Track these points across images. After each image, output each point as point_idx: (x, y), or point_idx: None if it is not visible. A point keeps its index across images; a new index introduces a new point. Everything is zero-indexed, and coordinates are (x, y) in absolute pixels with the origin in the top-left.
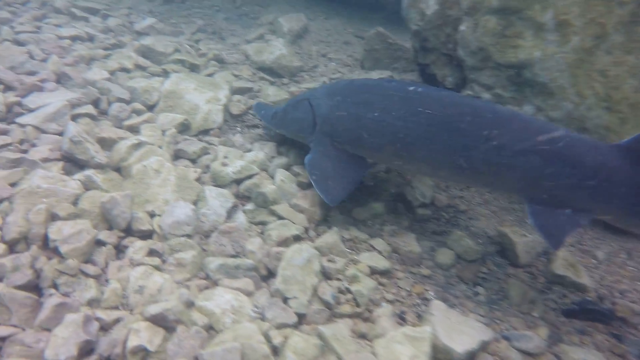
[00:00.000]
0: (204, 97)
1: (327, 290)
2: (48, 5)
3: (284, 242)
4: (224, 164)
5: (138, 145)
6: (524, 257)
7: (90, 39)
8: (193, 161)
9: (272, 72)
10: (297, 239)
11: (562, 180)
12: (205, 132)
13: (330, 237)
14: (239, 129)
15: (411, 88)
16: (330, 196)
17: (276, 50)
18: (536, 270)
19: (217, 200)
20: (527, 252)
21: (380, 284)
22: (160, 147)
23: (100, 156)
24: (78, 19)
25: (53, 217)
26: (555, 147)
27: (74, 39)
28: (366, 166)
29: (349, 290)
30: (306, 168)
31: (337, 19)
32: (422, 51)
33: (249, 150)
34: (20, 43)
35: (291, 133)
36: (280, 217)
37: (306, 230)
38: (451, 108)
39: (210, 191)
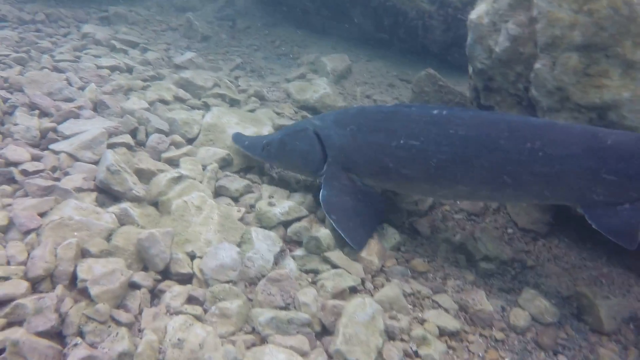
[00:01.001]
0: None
1: (394, 354)
2: (89, 37)
3: (340, 295)
4: (271, 204)
5: (178, 179)
6: (609, 323)
7: (129, 70)
8: (235, 199)
9: (315, 111)
10: (353, 290)
11: (617, 176)
12: (248, 169)
13: (391, 290)
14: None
15: (435, 111)
16: (356, 239)
17: (320, 89)
18: (625, 339)
19: (264, 244)
20: (612, 317)
21: (450, 347)
22: (200, 182)
23: (138, 188)
24: (117, 51)
25: (83, 254)
26: (605, 145)
27: (113, 69)
28: (382, 202)
29: (417, 354)
30: (323, 207)
31: (379, 61)
32: (485, 91)
33: (296, 191)
34: (59, 70)
35: (291, 166)
36: (335, 266)
37: (363, 281)
38: (485, 126)
39: (257, 233)
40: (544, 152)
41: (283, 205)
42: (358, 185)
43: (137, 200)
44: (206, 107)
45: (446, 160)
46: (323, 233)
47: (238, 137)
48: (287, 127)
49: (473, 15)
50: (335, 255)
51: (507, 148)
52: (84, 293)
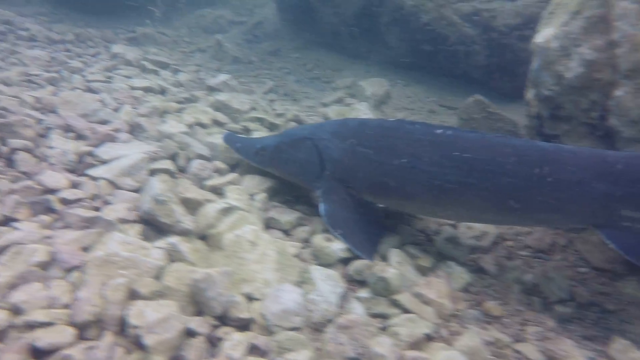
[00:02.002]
0: None
1: None
2: (119, 57)
3: (417, 344)
4: (328, 240)
5: (228, 210)
6: None
7: (162, 91)
8: (286, 232)
9: None
10: (428, 338)
11: (632, 198)
12: (297, 198)
13: (471, 339)
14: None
15: (439, 131)
16: (366, 251)
17: (361, 114)
18: None
19: (327, 284)
20: None
21: None
22: (249, 213)
23: (187, 221)
24: (148, 72)
25: (133, 295)
26: (615, 169)
27: (147, 90)
28: (381, 214)
29: None
30: (325, 221)
31: (416, 86)
32: (551, 120)
33: None
34: (92, 91)
35: (286, 173)
36: (405, 310)
37: (437, 327)
38: (491, 150)
39: (318, 272)
40: (553, 177)
41: (340, 241)
42: (356, 200)
43: (185, 233)
44: (246, 131)
45: (450, 182)
46: (392, 274)
47: (230, 138)
48: (282, 133)
49: (539, 39)
50: (405, 298)
51: (515, 173)
52: (136, 342)
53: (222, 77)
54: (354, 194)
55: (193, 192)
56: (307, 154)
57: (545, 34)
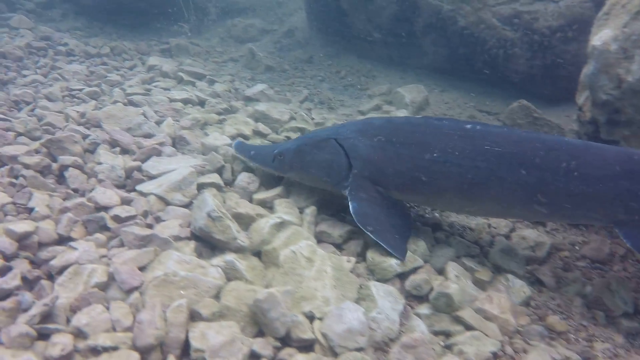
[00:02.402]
0: None
1: None
2: (155, 69)
3: None
4: (383, 254)
5: (281, 224)
6: None
7: (201, 103)
8: (338, 246)
9: None
10: (495, 357)
11: None
12: (346, 209)
13: (540, 357)
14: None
15: (468, 126)
16: (399, 250)
17: None
18: None
19: (387, 301)
20: None
21: None
22: (301, 227)
23: (243, 237)
24: (185, 83)
25: (194, 317)
26: None
27: (186, 102)
28: (409, 212)
29: None
30: (355, 219)
31: (453, 92)
32: (608, 125)
33: None
34: (133, 104)
35: (310, 177)
36: (468, 327)
37: (502, 345)
38: (521, 144)
39: (377, 288)
40: (580, 172)
41: None
42: (385, 197)
43: (240, 250)
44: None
45: (481, 176)
46: (454, 289)
47: (241, 147)
48: (301, 137)
49: (597, 41)
50: (468, 315)
51: (543, 167)
52: None
53: (259, 86)
54: (383, 192)
55: (244, 207)
56: (333, 153)
57: (602, 36)
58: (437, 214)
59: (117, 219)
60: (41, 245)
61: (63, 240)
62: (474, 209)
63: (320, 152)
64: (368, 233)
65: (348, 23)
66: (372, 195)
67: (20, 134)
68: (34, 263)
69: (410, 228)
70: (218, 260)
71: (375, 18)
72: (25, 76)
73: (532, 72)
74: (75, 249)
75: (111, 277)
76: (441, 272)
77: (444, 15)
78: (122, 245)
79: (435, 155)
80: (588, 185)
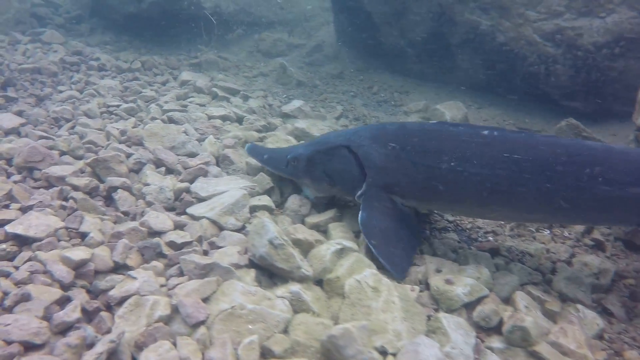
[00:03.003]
0: None
1: None
2: (189, 84)
3: None
4: (449, 282)
5: (341, 251)
6: None
7: (239, 119)
8: None
9: None
10: None
11: None
12: None
13: None
14: (427, 232)
15: (485, 132)
16: (398, 267)
17: None
18: None
19: (459, 334)
20: None
21: None
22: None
23: (307, 266)
24: (220, 99)
25: (265, 354)
26: None
27: (224, 118)
28: (420, 225)
29: None
30: (362, 231)
31: (491, 108)
32: None
33: (465, 262)
34: (172, 121)
35: (324, 185)
36: None
37: None
38: (541, 150)
39: (448, 320)
40: (604, 177)
41: (464, 283)
42: (399, 207)
43: (304, 280)
44: None
45: (501, 184)
46: (530, 322)
47: (254, 150)
48: (314, 142)
49: None
50: (545, 349)
51: (566, 173)
52: None
53: (296, 103)
54: (398, 201)
55: (303, 233)
56: (346, 162)
57: None
58: (491, 238)
59: (173, 245)
60: (97, 273)
61: (119, 267)
62: (494, 215)
63: (332, 160)
64: (371, 247)
65: (379, 38)
66: (385, 205)
67: (64, 153)
68: (91, 292)
69: (418, 241)
70: (282, 290)
71: (409, 33)
72: (61, 92)
73: (575, 89)
74: (134, 278)
75: (174, 310)
76: (507, 301)
77: (482, 31)
78: (181, 274)
79: (452, 164)
80: (613, 190)
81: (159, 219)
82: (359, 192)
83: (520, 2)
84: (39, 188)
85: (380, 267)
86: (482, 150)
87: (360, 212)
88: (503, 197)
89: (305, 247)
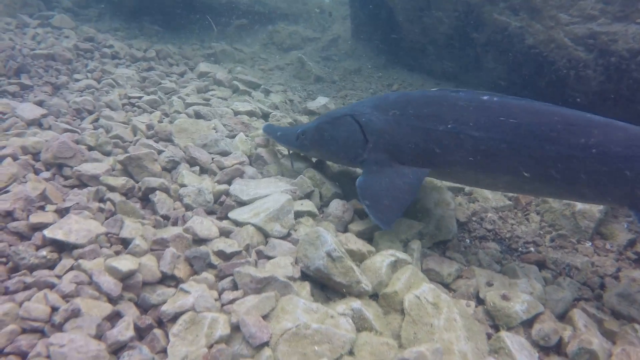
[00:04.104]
0: (431, 199)
1: None
2: (208, 77)
3: None
4: (505, 297)
5: (396, 263)
6: None
7: (265, 115)
8: (447, 286)
9: None
10: None
11: None
12: (441, 244)
13: None
14: (467, 241)
15: (485, 97)
16: (384, 219)
17: None
18: None
19: (524, 355)
20: None
21: None
22: (416, 266)
23: (366, 281)
24: (241, 93)
25: None
26: None
27: (250, 114)
28: (422, 178)
29: None
30: (358, 193)
31: None
32: None
33: (514, 275)
34: (200, 116)
35: (329, 154)
36: None
37: None
38: (538, 116)
39: (511, 340)
40: (599, 149)
41: (521, 299)
42: (396, 168)
43: (362, 295)
44: None
45: (494, 148)
46: (597, 345)
47: (270, 128)
48: (322, 115)
49: None
50: None
51: (559, 141)
52: None
53: (322, 100)
54: (396, 164)
55: (355, 243)
56: (349, 130)
57: None
58: (532, 249)
59: (222, 255)
60: (144, 284)
61: (166, 278)
62: (487, 182)
63: (337, 129)
64: (364, 207)
65: (400, 35)
66: (384, 168)
67: (91, 148)
68: (139, 306)
69: (410, 198)
70: (343, 307)
71: (431, 31)
72: (77, 80)
73: (604, 95)
74: (187, 292)
75: (234, 329)
76: (561, 318)
77: (510, 32)
78: (235, 287)
79: (449, 126)
80: (606, 164)
81: (204, 226)
82: (362, 159)
83: (553, 4)
84: (71, 187)
85: (430, 279)
86: (479, 113)
87: (359, 177)
88: (496, 162)
89: (357, 258)
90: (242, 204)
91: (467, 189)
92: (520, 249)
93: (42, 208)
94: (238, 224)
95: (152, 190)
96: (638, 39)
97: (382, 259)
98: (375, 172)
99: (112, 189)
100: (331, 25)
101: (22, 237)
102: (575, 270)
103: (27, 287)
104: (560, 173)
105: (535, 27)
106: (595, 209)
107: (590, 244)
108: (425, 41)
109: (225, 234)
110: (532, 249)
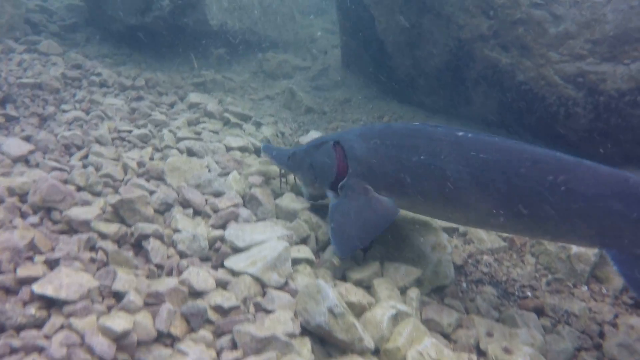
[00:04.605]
0: (428, 243)
1: None
2: (199, 108)
3: None
4: (507, 350)
5: (397, 316)
6: None
7: (257, 150)
8: (447, 337)
9: None
10: None
11: None
12: (439, 290)
13: None
14: (464, 284)
15: (460, 133)
16: (342, 247)
17: None
18: None
19: None
20: None
21: None
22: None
23: (368, 338)
24: (233, 126)
25: None
26: (637, 191)
27: (242, 150)
28: (391, 215)
29: None
30: (329, 214)
31: None
32: None
33: (515, 325)
34: (192, 152)
35: (312, 178)
36: None
37: None
38: (508, 153)
39: None
40: (567, 187)
41: (523, 352)
42: (371, 195)
43: (365, 352)
44: None
45: (463, 181)
46: None
47: (267, 148)
48: (312, 140)
49: None
50: None
51: (527, 177)
52: None
53: (314, 134)
54: (371, 191)
55: (355, 295)
56: (329, 156)
57: None
58: (529, 293)
59: (219, 310)
60: (139, 344)
61: (162, 336)
62: (457, 216)
63: (322, 153)
64: (329, 229)
65: (390, 67)
66: (358, 194)
67: (81, 188)
68: None
69: (376, 232)
70: None
71: (422, 64)
72: (65, 111)
73: (593, 133)
74: (185, 354)
75: None
76: None
77: (501, 68)
78: (234, 346)
79: (421, 157)
80: (575, 202)
81: (201, 277)
82: (340, 184)
83: (543, 42)
84: (60, 232)
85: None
86: (451, 147)
87: (335, 200)
88: (464, 196)
89: (358, 311)
90: (237, 250)
91: (462, 229)
92: (516, 293)
93: (30, 259)
94: (234, 273)
95: (146, 237)
96: (626, 79)
97: (383, 312)
98: (349, 198)
99: (104, 236)
100: (320, 55)
101: (9, 291)
102: (574, 317)
103: (13, 351)
104: (528, 209)
105: (526, 64)
106: (590, 253)
107: (586, 288)
108: (415, 74)
109: (222, 284)
110: (528, 293)
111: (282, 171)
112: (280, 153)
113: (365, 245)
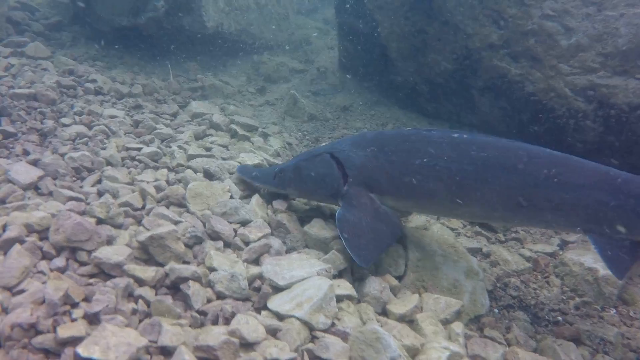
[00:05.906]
0: (460, 269)
1: None
2: (204, 120)
3: None
4: None
5: (450, 357)
6: None
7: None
8: None
9: None
10: None
11: (623, 211)
12: (475, 320)
13: None
14: (496, 310)
15: (456, 135)
16: (362, 256)
17: None
18: None
19: None
20: None
21: None
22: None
23: None
24: (240, 138)
25: None
26: (615, 182)
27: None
28: (399, 224)
29: None
30: (337, 225)
31: None
32: None
33: (556, 356)
34: (211, 175)
35: (308, 191)
36: None
37: None
38: (505, 150)
39: None
40: (559, 179)
41: None
42: (376, 205)
43: None
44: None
45: (468, 178)
46: None
47: (244, 169)
48: (300, 154)
49: None
50: None
51: (525, 172)
52: None
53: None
54: (376, 199)
55: (408, 336)
56: (327, 167)
57: None
58: (559, 318)
59: None
60: None
61: None
62: (462, 211)
63: (316, 166)
64: (342, 240)
65: (393, 72)
66: (363, 202)
67: (101, 220)
68: None
69: (393, 238)
70: None
71: (426, 71)
72: (65, 125)
73: (602, 146)
74: None
75: None
76: None
77: (510, 78)
78: None
79: (425, 160)
80: (566, 192)
81: (251, 326)
82: (342, 193)
83: (554, 54)
84: (88, 277)
85: None
86: (452, 148)
87: (339, 209)
88: (469, 193)
89: (412, 354)
90: (278, 289)
91: (484, 249)
92: (547, 317)
93: (67, 313)
94: (280, 316)
95: (184, 280)
96: (638, 93)
97: (438, 354)
98: (355, 206)
99: (140, 282)
100: (316, 57)
101: (49, 354)
102: (610, 345)
103: None
104: (527, 201)
105: (536, 76)
106: None
107: (614, 311)
108: (419, 80)
109: (271, 332)
110: (559, 318)
111: (266, 191)
112: (262, 173)
113: (382, 252)
